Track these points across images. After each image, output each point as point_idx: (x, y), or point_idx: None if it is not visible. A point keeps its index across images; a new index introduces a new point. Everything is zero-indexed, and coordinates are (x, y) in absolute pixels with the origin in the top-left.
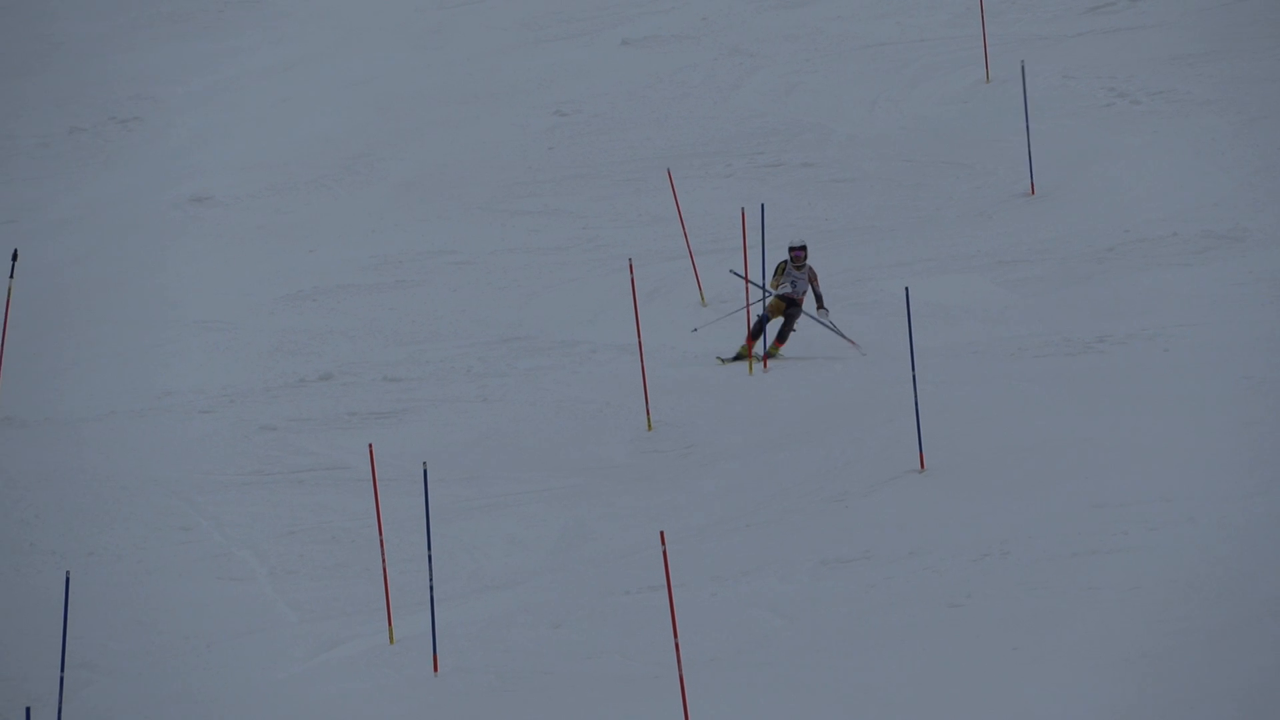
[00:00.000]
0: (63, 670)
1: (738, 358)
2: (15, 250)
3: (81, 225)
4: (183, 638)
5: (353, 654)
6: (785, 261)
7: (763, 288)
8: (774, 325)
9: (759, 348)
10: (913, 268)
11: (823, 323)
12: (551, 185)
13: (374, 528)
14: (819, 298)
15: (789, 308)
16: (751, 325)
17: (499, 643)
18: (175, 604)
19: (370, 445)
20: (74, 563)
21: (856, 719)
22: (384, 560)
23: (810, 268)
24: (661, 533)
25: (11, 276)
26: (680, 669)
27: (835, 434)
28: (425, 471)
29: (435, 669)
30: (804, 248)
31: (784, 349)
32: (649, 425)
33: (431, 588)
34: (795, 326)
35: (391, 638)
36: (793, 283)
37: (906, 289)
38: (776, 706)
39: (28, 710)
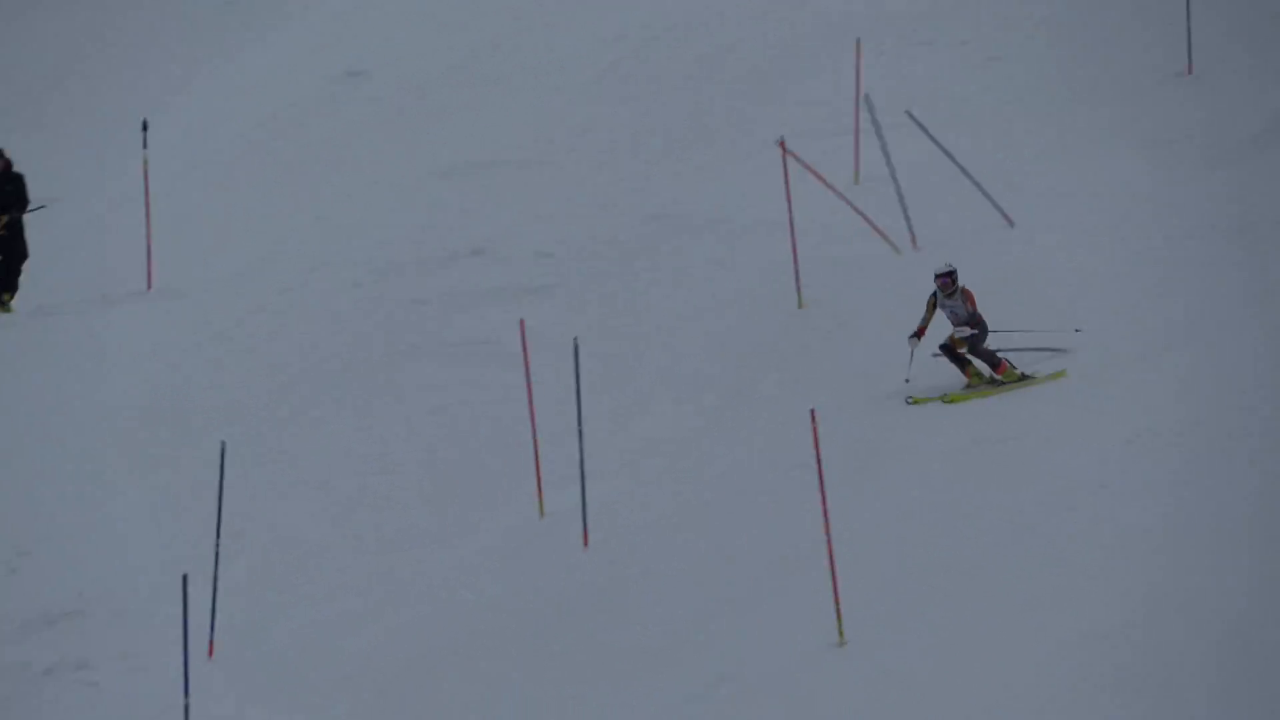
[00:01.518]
0: (218, 539)
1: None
2: (145, 120)
3: (235, 97)
4: (326, 510)
5: (503, 528)
6: (934, 294)
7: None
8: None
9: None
10: (1065, 145)
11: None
12: (702, 60)
13: (524, 403)
14: (977, 321)
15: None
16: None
17: (647, 520)
18: (324, 480)
19: (521, 320)
20: (228, 434)
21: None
22: (534, 435)
23: (964, 290)
24: (813, 411)
25: (145, 147)
26: (830, 548)
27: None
28: (576, 347)
29: (585, 544)
30: (951, 273)
31: (1004, 373)
32: (800, 303)
33: (582, 463)
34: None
35: (541, 512)
36: (951, 311)
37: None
38: (921, 592)
39: (184, 577)
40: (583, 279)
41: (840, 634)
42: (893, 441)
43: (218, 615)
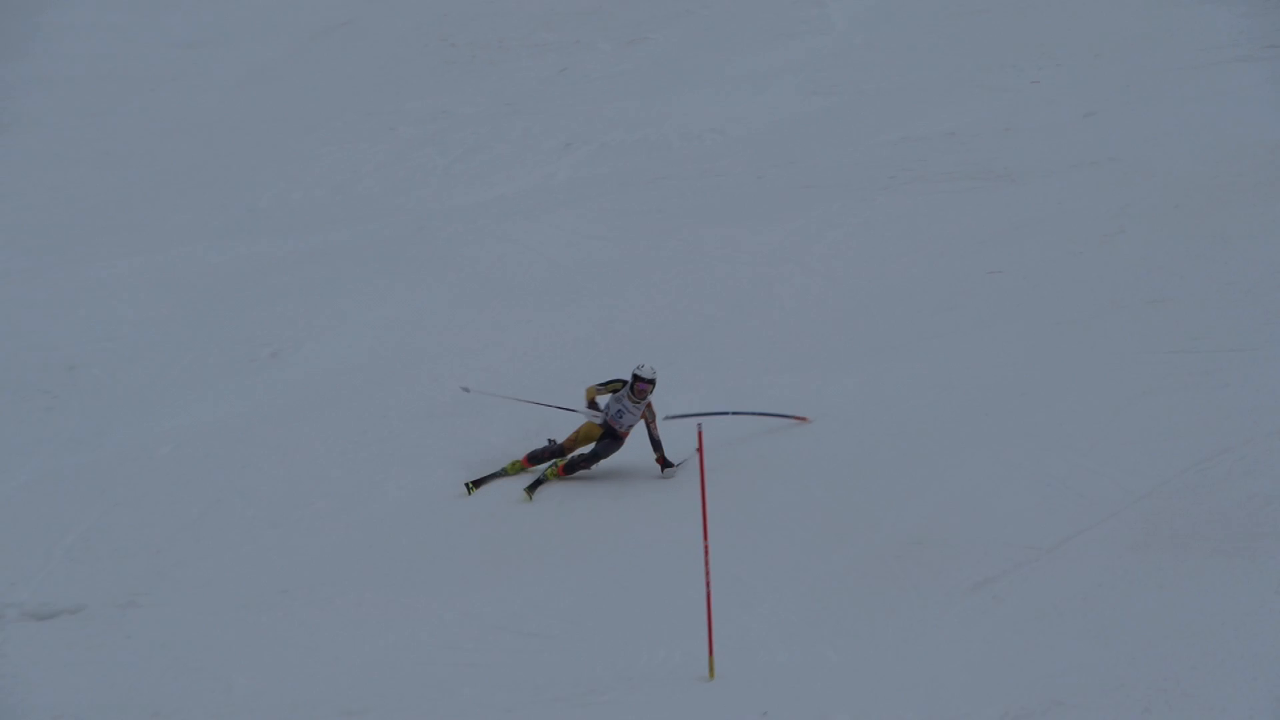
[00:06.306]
0: None
1: (501, 473)
2: None
3: None
4: None
5: None
6: (624, 383)
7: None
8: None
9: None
10: None
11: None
12: None
13: None
14: (656, 445)
15: (605, 438)
16: (540, 448)
17: None
18: None
19: None
20: None
21: None
22: None
23: (650, 405)
24: None
25: None
26: None
27: None
28: None
29: None
30: (654, 381)
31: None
32: None
33: None
34: (593, 467)
35: None
36: (620, 414)
37: None
38: None
39: None
40: None
41: None
42: None
43: None
